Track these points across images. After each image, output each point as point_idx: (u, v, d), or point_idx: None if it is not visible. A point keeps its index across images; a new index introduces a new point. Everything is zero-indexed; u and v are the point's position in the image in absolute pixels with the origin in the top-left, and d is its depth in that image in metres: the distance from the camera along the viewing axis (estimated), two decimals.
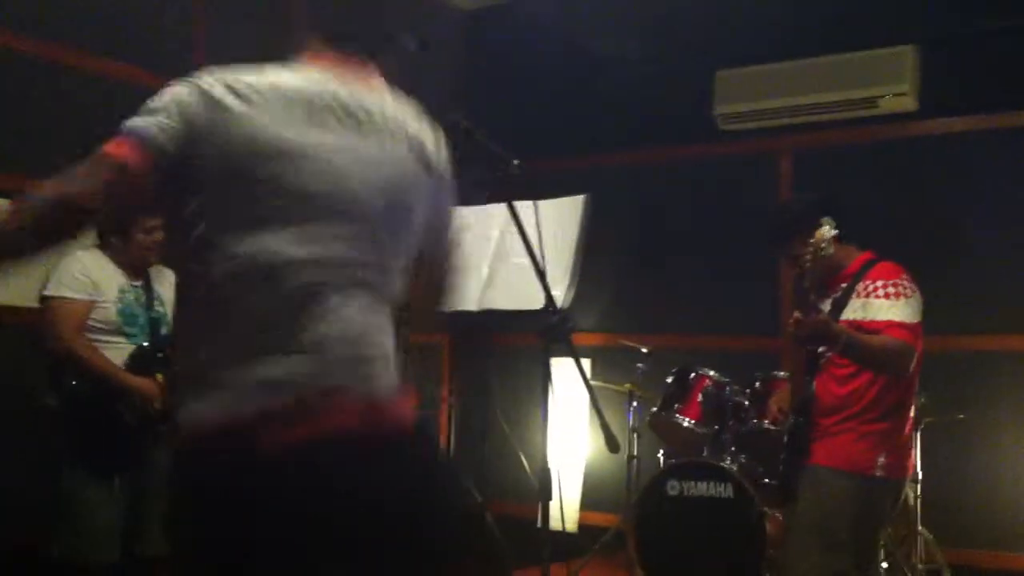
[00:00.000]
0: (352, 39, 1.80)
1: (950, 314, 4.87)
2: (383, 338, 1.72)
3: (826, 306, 3.10)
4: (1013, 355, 4.98)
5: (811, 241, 2.86)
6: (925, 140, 5.26)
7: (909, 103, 5.17)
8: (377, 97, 1.78)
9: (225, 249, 1.60)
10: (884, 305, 2.98)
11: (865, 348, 2.93)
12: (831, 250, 2.89)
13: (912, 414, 3.20)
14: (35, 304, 3.51)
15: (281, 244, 1.61)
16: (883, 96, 5.17)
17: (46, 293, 3.42)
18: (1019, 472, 4.91)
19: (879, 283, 3.03)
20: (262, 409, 1.55)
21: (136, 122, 1.60)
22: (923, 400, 4.24)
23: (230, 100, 1.62)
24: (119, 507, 3.44)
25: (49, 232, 1.61)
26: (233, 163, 1.61)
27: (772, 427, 3.91)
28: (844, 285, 3.09)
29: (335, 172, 1.67)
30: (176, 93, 1.62)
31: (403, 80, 1.85)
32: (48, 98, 4.13)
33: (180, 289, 1.74)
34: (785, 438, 3.15)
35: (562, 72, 6.05)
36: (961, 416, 4.47)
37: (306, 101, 1.68)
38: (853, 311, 3.04)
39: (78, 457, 3.40)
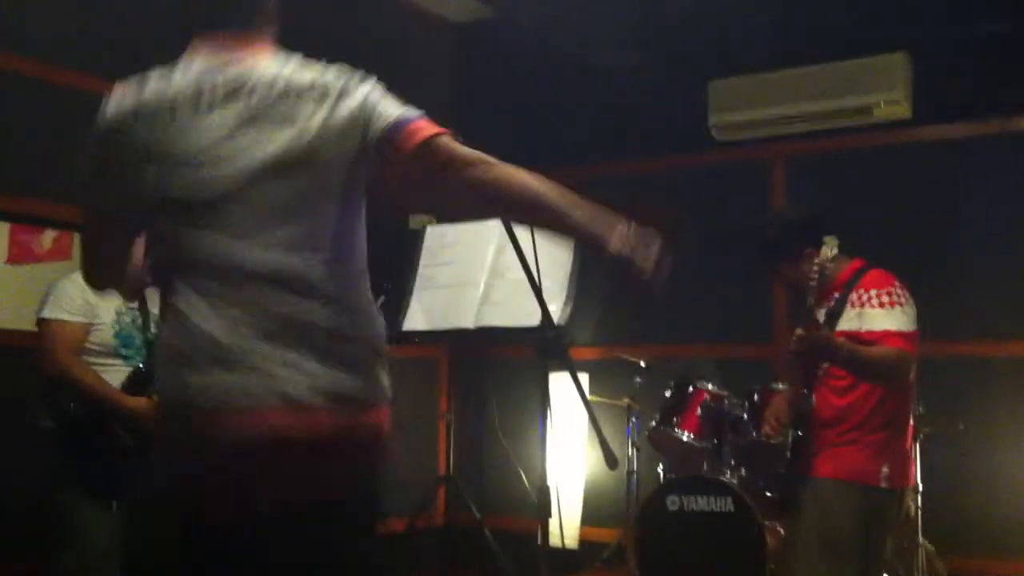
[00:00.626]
0: (217, 23, 1.81)
1: (946, 321, 4.87)
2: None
3: (820, 317, 3.10)
4: (1011, 361, 4.98)
5: (816, 261, 2.89)
6: (919, 147, 5.26)
7: (903, 110, 5.17)
8: (261, 69, 1.77)
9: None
10: (880, 315, 3.00)
11: (864, 361, 2.95)
12: (834, 266, 2.92)
13: (912, 423, 3.20)
14: (31, 327, 3.51)
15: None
16: (877, 104, 5.17)
17: (43, 315, 3.42)
18: (1018, 480, 4.89)
19: (872, 292, 3.04)
20: None
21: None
22: (921, 410, 4.24)
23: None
24: (118, 528, 3.43)
25: None
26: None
27: (770, 439, 3.90)
28: (837, 295, 3.10)
29: (214, 163, 1.70)
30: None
31: (395, 93, 1.83)
32: (54, 120, 4.11)
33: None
34: (787, 452, 3.14)
35: (555, 83, 6.04)
36: (961, 427, 4.46)
37: (191, 95, 1.73)
38: (848, 321, 3.04)
39: (76, 479, 3.38)
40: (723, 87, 5.55)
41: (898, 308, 3.00)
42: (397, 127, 1.72)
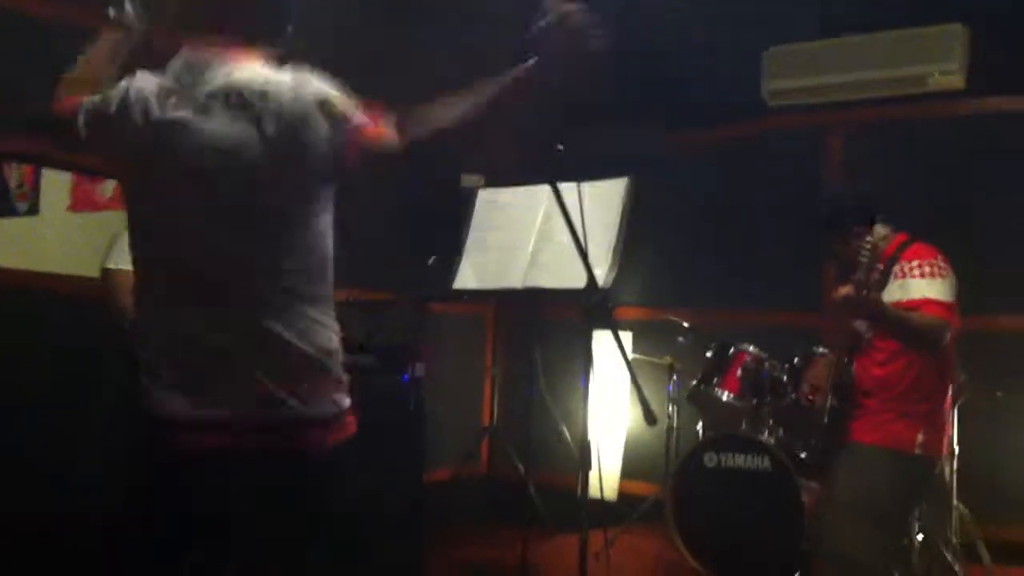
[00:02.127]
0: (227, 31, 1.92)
1: (992, 293, 4.89)
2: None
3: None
4: None
5: (868, 240, 2.94)
6: (972, 119, 5.24)
7: (957, 81, 5.15)
8: (250, 76, 1.87)
9: None
10: (921, 284, 3.07)
11: (905, 323, 3.03)
12: (885, 245, 2.99)
13: (950, 394, 3.26)
14: (93, 274, 3.63)
15: None
16: (931, 74, 5.16)
17: (107, 266, 3.54)
18: None
19: (915, 263, 3.12)
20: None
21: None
22: (962, 377, 4.29)
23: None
24: None
25: None
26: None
27: (809, 403, 3.98)
28: (881, 267, 3.15)
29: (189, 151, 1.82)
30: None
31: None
32: (44, 58, 4.12)
33: None
34: (824, 418, 3.23)
35: (611, 50, 6.04)
36: (999, 394, 4.51)
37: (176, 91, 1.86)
38: (891, 294, 3.11)
39: None
40: (779, 55, 5.55)
41: (939, 279, 3.07)
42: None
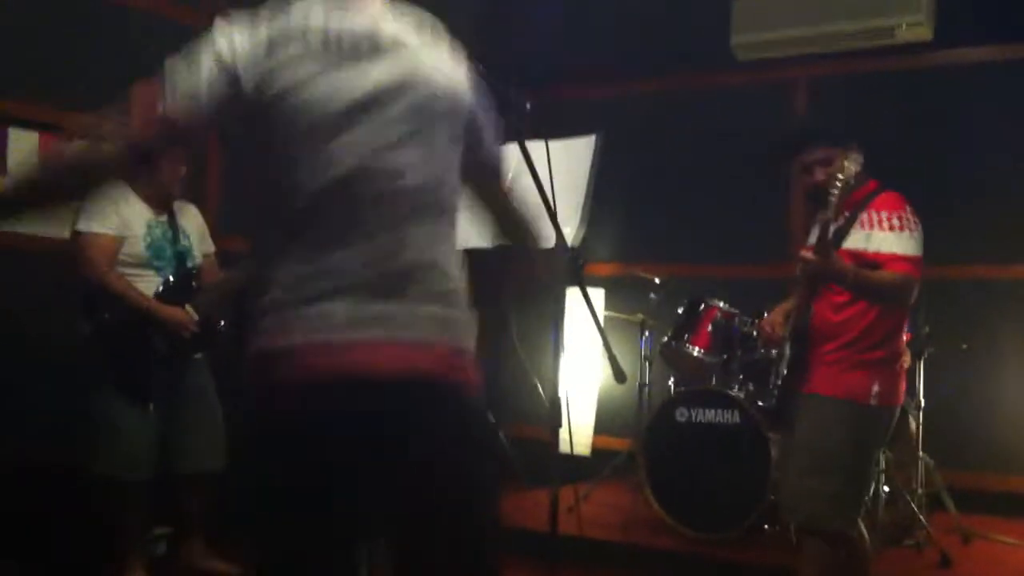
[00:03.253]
0: None
1: (958, 243, 4.95)
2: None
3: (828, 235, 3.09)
4: (1016, 283, 5.06)
5: (841, 176, 2.91)
6: (940, 70, 5.27)
7: (925, 32, 5.16)
8: (373, 21, 1.79)
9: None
10: (888, 238, 3.02)
11: (870, 284, 3.00)
12: (854, 183, 2.97)
13: (905, 343, 3.24)
14: (59, 235, 3.61)
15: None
16: (899, 25, 5.17)
17: (78, 228, 3.52)
18: (1019, 398, 5.03)
19: (883, 214, 3.05)
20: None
21: (177, 71, 1.66)
22: (927, 330, 4.35)
23: (269, 47, 1.68)
24: (153, 430, 3.61)
25: (77, 185, 1.75)
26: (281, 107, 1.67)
27: (769, 348, 3.99)
28: (847, 213, 3.11)
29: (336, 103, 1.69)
30: (220, 39, 1.68)
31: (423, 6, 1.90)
32: (71, 28, 4.17)
33: None
34: (783, 367, 3.21)
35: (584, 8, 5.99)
36: (964, 346, 4.58)
37: (319, 38, 1.72)
38: (856, 241, 3.06)
39: (112, 383, 3.54)
40: (747, 7, 5.53)
41: (907, 232, 3.02)
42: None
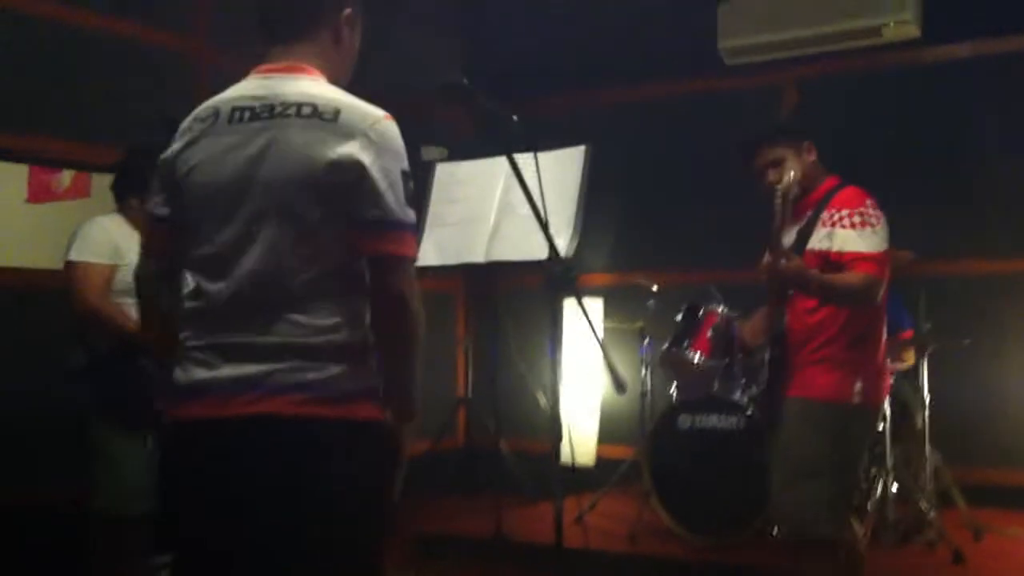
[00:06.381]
0: (264, 30, 1.86)
1: (957, 239, 4.94)
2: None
3: (791, 237, 3.07)
4: (1017, 278, 5.05)
5: (779, 186, 2.90)
6: (929, 68, 5.26)
7: (912, 31, 5.16)
8: (287, 88, 1.81)
9: None
10: (851, 236, 2.93)
11: (833, 289, 2.94)
12: (812, 178, 2.94)
13: (884, 339, 3.15)
14: (52, 265, 3.59)
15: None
16: (887, 24, 5.17)
17: (71, 258, 3.49)
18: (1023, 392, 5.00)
19: (844, 212, 2.97)
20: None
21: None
22: (929, 326, 4.33)
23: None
24: (152, 461, 3.57)
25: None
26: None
27: (748, 355, 3.97)
28: (809, 213, 3.06)
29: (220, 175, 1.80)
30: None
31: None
32: (53, 58, 4.14)
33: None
34: (765, 372, 3.16)
35: (563, 6, 6.00)
36: (967, 341, 4.55)
37: (227, 111, 1.81)
38: (819, 241, 3.00)
39: (109, 414, 3.49)
40: (733, 10, 5.53)
41: (868, 229, 2.93)
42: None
